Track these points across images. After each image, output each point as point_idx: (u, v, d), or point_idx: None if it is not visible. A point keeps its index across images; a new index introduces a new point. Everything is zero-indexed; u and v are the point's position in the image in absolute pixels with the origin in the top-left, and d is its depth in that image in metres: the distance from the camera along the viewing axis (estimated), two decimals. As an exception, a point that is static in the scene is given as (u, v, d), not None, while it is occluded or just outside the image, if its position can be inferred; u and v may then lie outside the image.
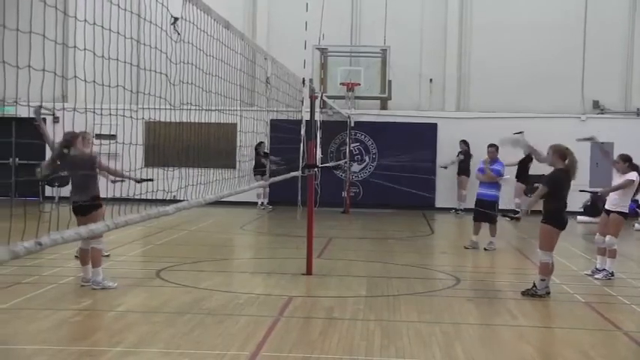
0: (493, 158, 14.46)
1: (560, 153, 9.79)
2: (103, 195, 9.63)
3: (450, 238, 16.57)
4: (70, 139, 9.61)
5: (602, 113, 23.53)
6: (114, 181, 10.02)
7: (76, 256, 11.38)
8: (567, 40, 23.46)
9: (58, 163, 9.79)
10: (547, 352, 7.48)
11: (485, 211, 14.29)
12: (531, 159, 21.06)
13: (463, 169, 22.45)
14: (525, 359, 7.06)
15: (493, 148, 14.58)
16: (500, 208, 14.71)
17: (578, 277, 11.54)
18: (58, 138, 9.83)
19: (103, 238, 9.87)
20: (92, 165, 9.62)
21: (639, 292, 10.58)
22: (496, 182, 14.37)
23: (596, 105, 23.68)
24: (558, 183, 9.72)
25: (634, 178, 11.29)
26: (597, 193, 12.22)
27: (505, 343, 7.67)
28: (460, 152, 22.61)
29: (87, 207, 9.38)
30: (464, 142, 22.55)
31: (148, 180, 8.47)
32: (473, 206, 14.93)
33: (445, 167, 22.87)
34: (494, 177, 14.35)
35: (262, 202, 22.58)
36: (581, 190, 10.29)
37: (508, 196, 21.25)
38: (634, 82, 23.66)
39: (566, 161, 9.74)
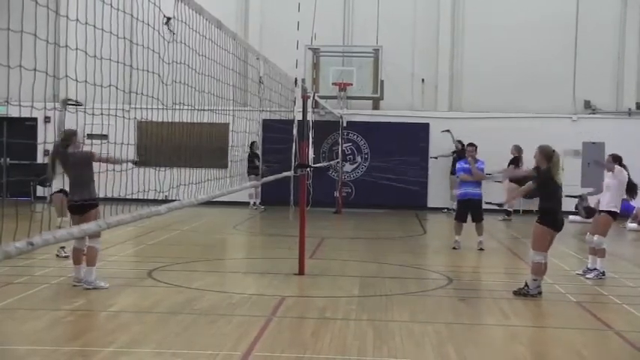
0: (474, 157, 14.46)
1: (546, 154, 9.95)
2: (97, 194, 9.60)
3: (443, 238, 16.55)
4: (70, 135, 9.64)
5: (594, 113, 23.58)
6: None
7: (57, 255, 11.46)
8: (559, 40, 23.50)
9: (57, 161, 9.75)
10: (539, 351, 7.50)
11: (475, 213, 14.27)
12: (520, 159, 21.11)
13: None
14: (517, 359, 7.08)
15: (473, 147, 14.64)
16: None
17: (569, 277, 11.57)
18: (50, 138, 9.82)
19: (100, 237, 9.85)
20: (89, 162, 9.57)
21: (630, 292, 10.62)
22: (480, 181, 14.39)
23: (587, 105, 23.71)
24: (544, 181, 9.90)
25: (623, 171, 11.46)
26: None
27: (497, 343, 7.69)
28: (455, 150, 22.51)
29: (84, 206, 9.37)
30: (459, 142, 22.46)
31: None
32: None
33: (435, 157, 23.04)
34: (482, 176, 14.37)
35: (255, 202, 22.55)
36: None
37: (501, 196, 21.34)
38: (625, 82, 23.70)
39: (550, 162, 9.91)
